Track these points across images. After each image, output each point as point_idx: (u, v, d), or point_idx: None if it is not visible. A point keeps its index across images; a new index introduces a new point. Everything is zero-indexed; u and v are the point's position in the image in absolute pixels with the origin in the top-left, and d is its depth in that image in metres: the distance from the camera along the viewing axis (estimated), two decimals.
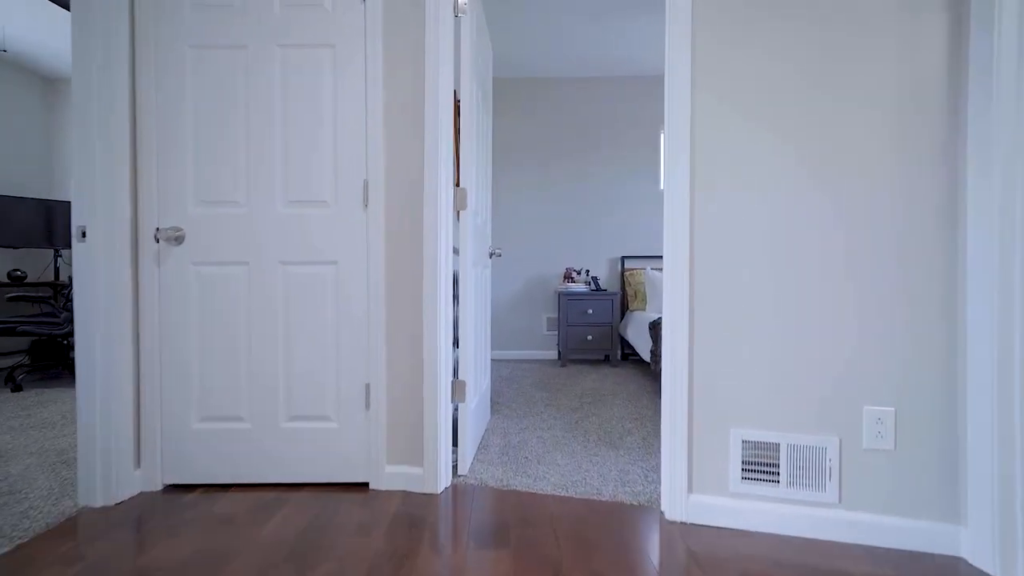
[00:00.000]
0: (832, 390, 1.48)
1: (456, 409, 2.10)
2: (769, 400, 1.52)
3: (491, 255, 2.54)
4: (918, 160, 1.43)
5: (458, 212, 1.86)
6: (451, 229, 1.81)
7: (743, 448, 1.52)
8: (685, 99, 1.56)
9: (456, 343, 2.41)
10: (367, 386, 1.75)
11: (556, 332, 4.56)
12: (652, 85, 4.52)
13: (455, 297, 2.40)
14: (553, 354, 4.57)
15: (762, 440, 1.51)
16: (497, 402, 2.97)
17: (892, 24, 1.45)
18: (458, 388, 1.84)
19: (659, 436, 2.33)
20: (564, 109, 4.55)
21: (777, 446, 1.50)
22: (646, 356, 3.56)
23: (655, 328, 3.37)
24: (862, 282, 1.46)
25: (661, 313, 3.75)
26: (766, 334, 1.52)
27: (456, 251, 2.48)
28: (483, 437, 2.31)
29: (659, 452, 2.12)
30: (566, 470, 1.92)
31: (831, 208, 1.49)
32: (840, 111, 1.49)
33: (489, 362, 2.52)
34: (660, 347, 3.15)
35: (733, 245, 1.55)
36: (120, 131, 1.65)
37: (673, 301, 1.58)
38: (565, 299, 4.12)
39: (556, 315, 4.56)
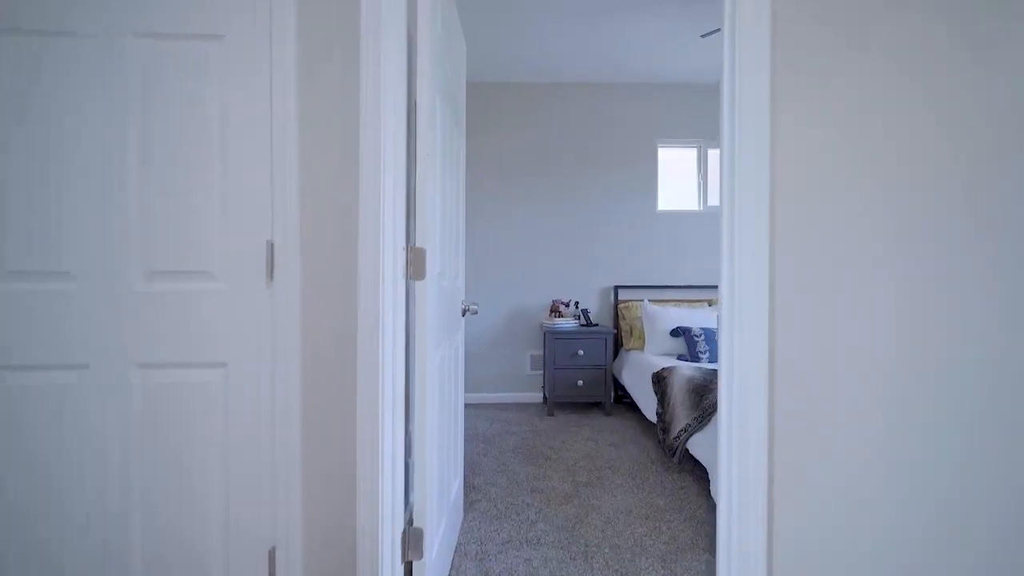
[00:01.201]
0: None
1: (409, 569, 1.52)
2: None
3: (465, 312, 1.98)
4: None
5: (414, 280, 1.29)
6: (402, 306, 1.24)
7: None
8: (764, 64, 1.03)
9: (409, 457, 1.82)
10: (271, 553, 1.16)
11: (541, 372, 4.02)
12: (650, 92, 4.02)
13: (407, 398, 1.76)
14: (538, 397, 4.02)
15: None
16: (472, 485, 2.40)
17: None
18: (412, 540, 1.27)
19: (683, 549, 1.80)
20: (551, 119, 4.01)
21: None
22: (648, 412, 3.04)
23: (661, 381, 2.85)
24: None
25: (663, 356, 3.27)
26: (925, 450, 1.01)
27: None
28: (453, 560, 1.74)
29: None
30: None
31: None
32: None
33: (461, 458, 1.95)
34: (669, 409, 2.63)
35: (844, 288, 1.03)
36: None
37: (745, 382, 1.05)
38: (552, 338, 3.58)
39: (541, 352, 4.02)
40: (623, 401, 4.00)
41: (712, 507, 2.14)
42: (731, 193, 1.14)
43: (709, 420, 2.28)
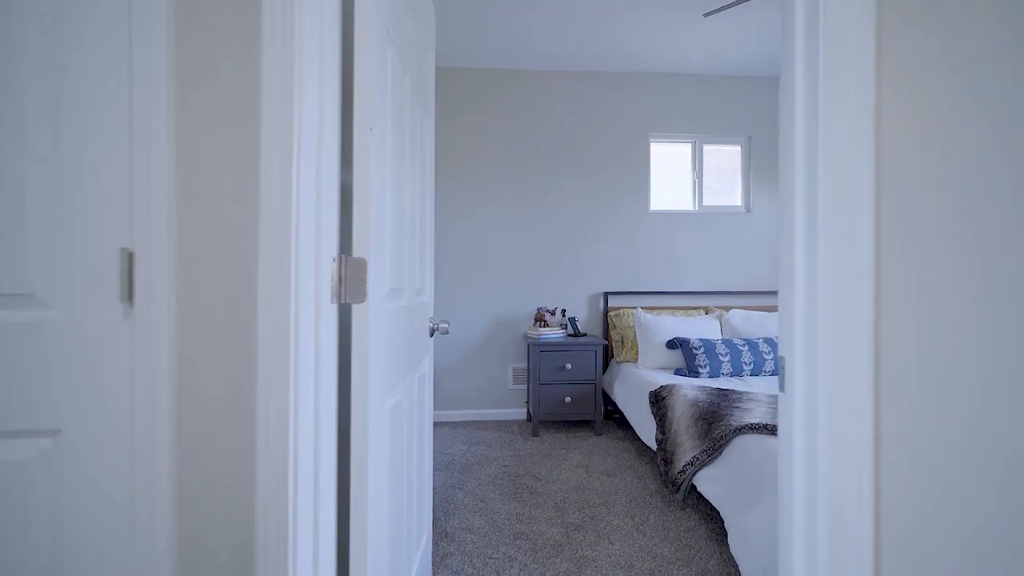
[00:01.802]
0: None
1: None
2: None
3: (434, 331, 1.62)
4: None
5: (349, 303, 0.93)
6: (331, 341, 0.88)
7: None
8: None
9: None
10: None
11: (525, 386, 3.67)
12: (643, 83, 3.71)
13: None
14: (521, 413, 3.67)
15: None
16: (444, 532, 2.04)
17: None
18: None
19: None
20: (536, 110, 3.67)
21: None
22: (643, 434, 2.72)
23: (660, 402, 2.53)
24: None
25: (658, 370, 2.80)
26: None
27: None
28: None
29: None
30: None
31: None
32: None
33: (427, 517, 1.58)
34: (670, 436, 2.31)
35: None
36: None
37: (838, 453, 0.72)
38: (537, 350, 3.24)
39: (525, 365, 3.68)
40: (613, 417, 3.68)
41: (727, 559, 1.83)
42: (807, 175, 0.81)
43: (720, 453, 1.96)
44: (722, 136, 3.81)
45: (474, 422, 3.58)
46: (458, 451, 2.98)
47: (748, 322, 3.35)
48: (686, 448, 2.14)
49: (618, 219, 3.72)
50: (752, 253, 3.81)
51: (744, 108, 3.78)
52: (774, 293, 3.78)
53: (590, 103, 3.69)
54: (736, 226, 3.79)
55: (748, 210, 3.83)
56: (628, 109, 3.72)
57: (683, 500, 2.26)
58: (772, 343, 3.07)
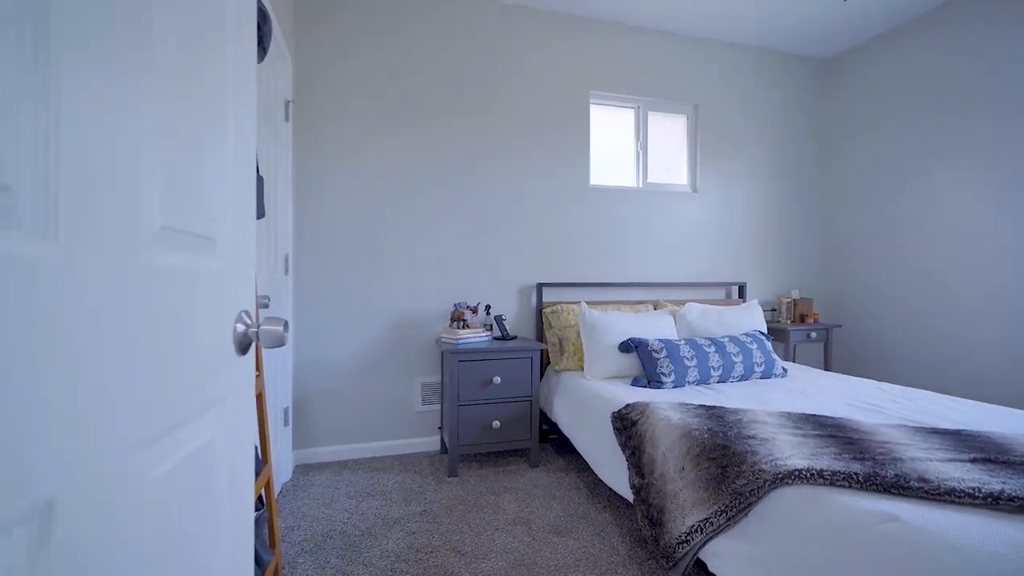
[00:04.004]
0: None
1: None
2: None
3: (249, 330, 0.72)
4: None
5: None
6: None
7: None
8: None
9: None
10: None
11: (438, 407, 2.81)
12: (587, 30, 3.05)
13: None
14: (433, 443, 2.80)
15: None
16: None
17: None
18: None
19: None
20: (449, 46, 2.83)
21: None
22: (600, 468, 2.00)
23: (630, 428, 1.84)
24: None
25: (611, 380, 2.07)
26: None
27: None
28: None
29: None
30: None
31: None
32: None
33: None
34: (655, 481, 1.62)
35: None
36: None
37: None
38: (455, 360, 2.40)
39: (438, 379, 2.81)
40: (549, 438, 2.96)
41: None
42: None
43: (745, 514, 1.29)
44: (667, 103, 3.28)
45: (368, 460, 2.64)
46: (339, 512, 2.04)
47: (705, 318, 2.83)
48: (686, 502, 1.45)
49: (552, 193, 3.02)
50: (700, 240, 3.33)
51: (691, 73, 3.29)
52: (733, 285, 3.33)
53: (524, 47, 2.95)
54: (681, 207, 3.29)
55: (695, 190, 3.35)
56: (567, 59, 3.03)
57: None
58: (739, 342, 2.55)
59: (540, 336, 2.92)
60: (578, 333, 2.73)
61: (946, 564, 0.92)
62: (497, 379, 2.45)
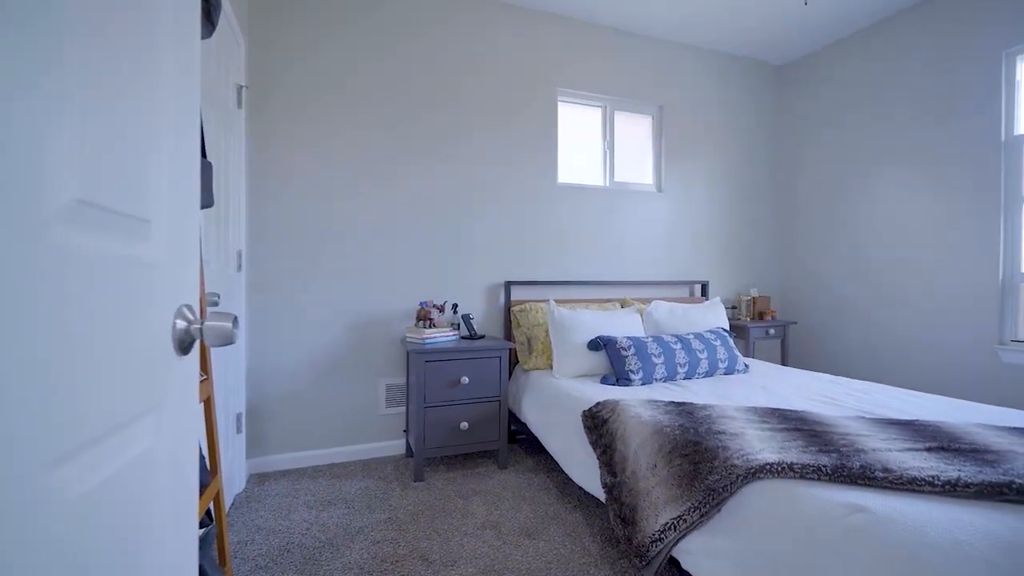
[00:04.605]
0: None
1: None
2: None
3: (192, 328, 0.64)
4: None
5: None
6: None
7: None
8: None
9: None
10: None
11: (403, 409, 2.72)
12: (555, 27, 3.02)
13: None
14: (398, 447, 2.71)
15: None
16: None
17: None
18: None
19: None
20: (420, 38, 2.74)
21: None
22: (570, 467, 1.98)
23: (601, 427, 1.82)
24: None
25: (580, 378, 1.97)
26: None
27: None
28: None
29: None
30: None
31: None
32: None
33: None
34: (627, 479, 1.60)
35: None
36: None
37: None
38: (421, 360, 2.33)
39: (404, 380, 2.72)
40: (518, 439, 2.92)
41: None
42: None
43: (718, 510, 1.29)
44: (634, 103, 3.31)
45: (329, 467, 2.51)
46: (298, 524, 1.92)
47: (672, 316, 2.86)
48: (658, 499, 1.44)
49: (521, 190, 2.98)
50: (665, 239, 3.37)
51: (656, 74, 3.34)
52: (696, 283, 3.39)
53: (492, 42, 2.89)
54: (647, 206, 3.32)
55: (660, 189, 3.39)
56: (534, 54, 3.00)
57: None
58: (704, 339, 2.60)
59: (508, 335, 2.88)
60: (547, 332, 2.70)
61: (913, 552, 0.94)
62: (465, 379, 2.39)
